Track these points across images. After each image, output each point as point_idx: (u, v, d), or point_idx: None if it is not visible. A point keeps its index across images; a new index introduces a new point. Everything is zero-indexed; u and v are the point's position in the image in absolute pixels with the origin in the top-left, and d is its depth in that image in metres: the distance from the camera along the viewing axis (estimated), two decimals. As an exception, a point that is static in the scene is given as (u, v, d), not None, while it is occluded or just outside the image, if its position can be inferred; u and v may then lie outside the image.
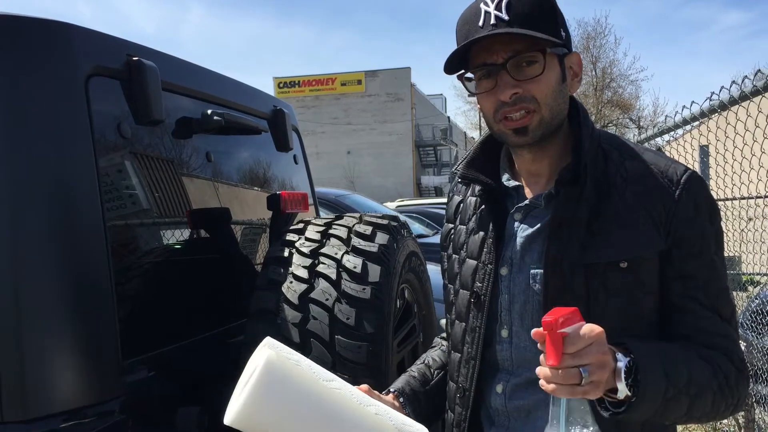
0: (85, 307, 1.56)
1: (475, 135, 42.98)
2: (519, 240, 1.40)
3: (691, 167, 1.35)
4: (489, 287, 1.42)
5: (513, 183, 1.45)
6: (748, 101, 3.26)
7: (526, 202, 1.41)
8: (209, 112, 2.10)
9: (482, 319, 1.42)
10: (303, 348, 1.83)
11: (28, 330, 1.48)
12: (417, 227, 9.97)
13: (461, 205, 1.58)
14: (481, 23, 1.29)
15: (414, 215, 11.37)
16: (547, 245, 1.33)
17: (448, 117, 49.78)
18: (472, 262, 1.47)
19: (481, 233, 1.47)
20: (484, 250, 1.45)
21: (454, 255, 1.55)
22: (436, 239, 8.15)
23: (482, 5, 1.30)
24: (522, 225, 1.41)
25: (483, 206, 1.48)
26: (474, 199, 1.53)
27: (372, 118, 40.55)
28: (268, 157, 2.67)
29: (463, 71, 1.38)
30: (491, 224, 1.45)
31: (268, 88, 41.81)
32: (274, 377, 1.11)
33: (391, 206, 13.77)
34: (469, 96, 1.45)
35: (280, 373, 1.12)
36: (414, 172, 41.35)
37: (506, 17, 1.27)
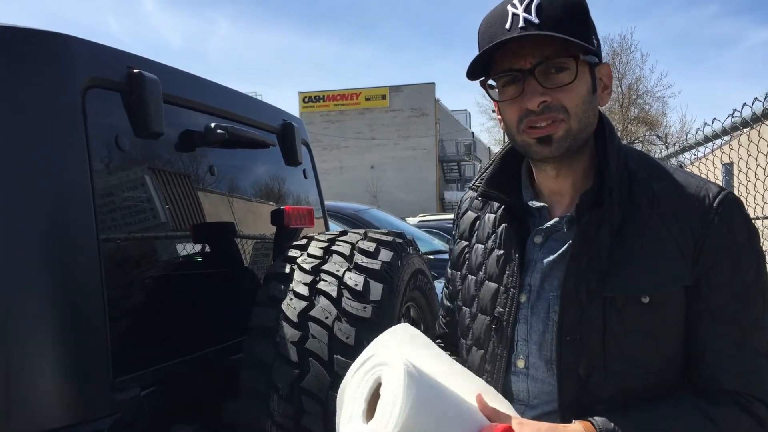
0: (75, 322, 1.53)
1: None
2: (539, 265, 1.33)
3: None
4: (512, 313, 1.33)
5: (536, 204, 1.37)
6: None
7: (547, 225, 1.33)
8: (213, 125, 2.07)
9: (504, 347, 1.34)
10: (301, 367, 1.79)
11: (14, 344, 1.45)
12: (437, 243, 9.88)
13: (477, 222, 1.50)
14: (508, 26, 1.20)
15: (435, 231, 11.31)
16: (565, 273, 1.25)
17: (473, 132, 49.70)
18: (492, 285, 1.39)
19: (502, 254, 1.38)
20: (506, 273, 1.36)
21: (470, 276, 1.47)
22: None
23: (509, 7, 1.21)
24: (543, 249, 1.33)
25: (503, 225, 1.40)
26: (492, 216, 1.45)
27: (396, 133, 40.61)
28: (276, 171, 2.64)
29: (484, 78, 1.29)
30: (513, 246, 1.36)
31: (293, 102, 42.15)
32: (421, 385, 1.05)
33: (413, 221, 13.72)
34: (493, 106, 1.35)
35: (421, 380, 1.06)
36: (437, 187, 41.29)
37: (536, 20, 1.18)
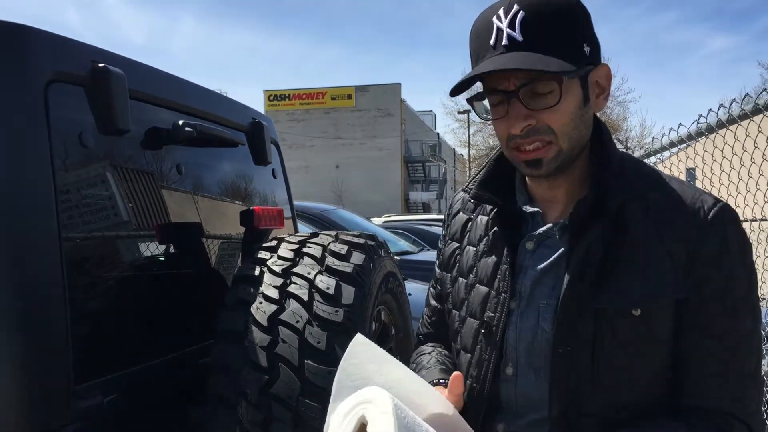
0: (34, 325, 1.46)
1: (464, 152, 43.06)
2: (530, 272, 1.29)
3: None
4: (502, 318, 1.30)
5: (530, 209, 1.33)
6: (736, 125, 3.20)
7: (539, 231, 1.30)
8: (180, 122, 2.01)
9: (491, 352, 1.30)
10: (270, 372, 1.74)
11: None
12: (403, 244, 9.87)
13: (469, 224, 1.46)
14: (492, 42, 1.15)
15: (401, 231, 11.29)
16: (566, 285, 1.21)
17: (438, 134, 49.84)
18: (483, 289, 1.36)
19: (494, 258, 1.35)
20: (498, 277, 1.33)
21: (460, 278, 1.43)
22: (422, 256, 8.06)
23: (495, 19, 1.15)
24: (534, 255, 1.30)
25: (496, 229, 1.37)
26: (485, 219, 1.41)
27: (361, 133, 40.54)
28: (244, 170, 2.58)
29: (472, 95, 1.26)
30: (505, 250, 1.33)
31: (259, 101, 41.76)
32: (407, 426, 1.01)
33: (377, 222, 13.68)
34: (482, 120, 1.32)
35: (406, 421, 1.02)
36: (402, 187, 41.33)
37: (520, 38, 1.12)
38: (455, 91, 1.21)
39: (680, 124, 3.84)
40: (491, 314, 1.32)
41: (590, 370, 1.18)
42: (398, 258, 6.35)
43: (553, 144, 1.19)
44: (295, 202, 7.07)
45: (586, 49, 1.18)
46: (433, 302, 1.57)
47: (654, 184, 1.24)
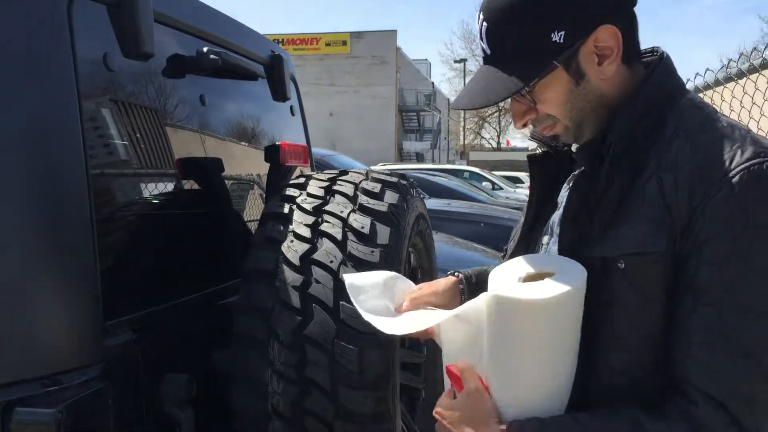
0: (62, 261, 1.37)
1: (459, 102, 42.56)
2: (559, 210, 1.28)
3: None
4: (512, 247, 1.35)
5: (578, 149, 1.30)
6: (734, 83, 3.10)
7: (575, 173, 1.28)
8: (205, 50, 1.89)
9: None
10: (304, 314, 1.67)
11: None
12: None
13: None
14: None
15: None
16: (559, 232, 1.22)
17: (432, 83, 49.32)
18: (526, 228, 1.38)
19: (535, 198, 1.37)
20: (533, 215, 1.35)
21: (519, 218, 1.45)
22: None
23: (477, 23, 1.17)
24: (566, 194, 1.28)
25: (540, 166, 1.36)
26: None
27: (356, 81, 40.03)
28: (264, 106, 2.47)
29: None
30: (544, 187, 1.34)
31: (251, 45, 40.92)
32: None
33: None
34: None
35: None
36: (396, 137, 41.05)
37: (488, 50, 1.15)
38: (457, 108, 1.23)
39: (687, 80, 3.75)
40: (510, 243, 1.37)
41: (591, 324, 1.12)
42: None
43: (558, 123, 1.19)
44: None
45: (558, 35, 1.09)
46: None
47: (687, 132, 1.10)
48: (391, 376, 1.70)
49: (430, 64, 54.23)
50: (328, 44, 40.60)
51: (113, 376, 1.44)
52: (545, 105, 1.16)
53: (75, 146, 1.41)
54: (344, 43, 40.42)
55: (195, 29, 1.94)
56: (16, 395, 1.27)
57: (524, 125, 1.21)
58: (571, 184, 1.26)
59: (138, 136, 1.66)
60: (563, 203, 1.26)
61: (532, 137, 1.36)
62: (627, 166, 1.11)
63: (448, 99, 52.50)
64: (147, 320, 1.58)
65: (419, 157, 41.89)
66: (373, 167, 15.78)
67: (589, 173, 1.17)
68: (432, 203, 8.36)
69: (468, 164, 29.72)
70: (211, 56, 1.89)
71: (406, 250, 1.92)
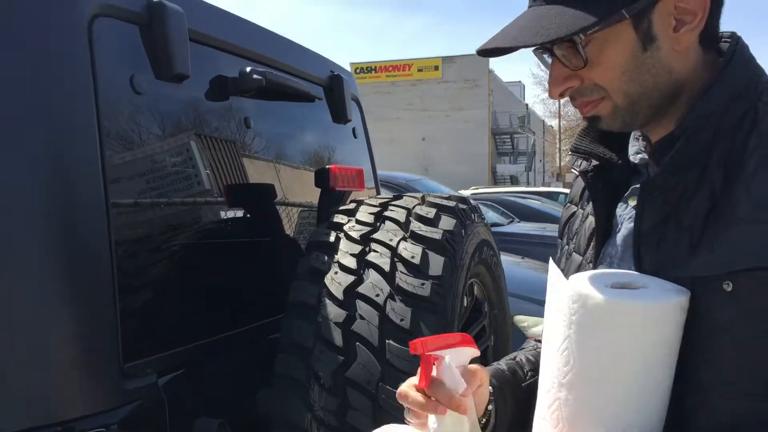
0: (79, 298, 1.27)
1: (554, 123, 41.83)
2: (622, 232, 1.03)
3: None
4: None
5: (640, 157, 1.05)
6: None
7: (636, 185, 1.01)
8: (248, 70, 1.79)
9: None
10: (346, 354, 1.51)
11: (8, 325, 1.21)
12: (492, 215, 9.54)
13: None
14: None
15: (489, 203, 10.92)
16: (636, 250, 0.97)
17: (526, 104, 48.56)
18: (577, 258, 1.11)
19: (591, 220, 1.10)
20: (592, 243, 1.08)
21: (566, 246, 1.19)
22: (513, 228, 7.73)
23: None
24: (630, 214, 1.03)
25: (594, 186, 1.09)
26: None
27: (448, 105, 39.90)
28: (321, 128, 2.35)
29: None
30: (599, 208, 1.07)
31: (345, 74, 41.72)
32: None
33: (465, 194, 13.33)
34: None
35: None
36: (490, 160, 40.56)
37: None
38: (483, 53, 0.98)
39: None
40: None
41: (687, 364, 0.89)
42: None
43: (606, 99, 0.95)
44: (380, 172, 6.87)
45: None
46: None
47: None
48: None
49: (524, 86, 53.45)
50: (420, 69, 40.77)
51: (133, 422, 1.32)
52: (598, 70, 0.93)
53: (94, 177, 1.32)
54: (436, 68, 40.47)
55: (239, 49, 1.84)
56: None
57: (562, 95, 0.96)
58: (636, 199, 1.01)
59: (166, 161, 1.56)
60: (624, 224, 1.03)
61: (575, 150, 1.11)
62: (717, 162, 0.89)
63: (543, 120, 51.55)
64: (174, 361, 1.46)
65: (513, 180, 41.20)
66: (463, 191, 15.58)
67: (666, 178, 0.94)
68: (524, 227, 8.08)
69: (564, 186, 28.95)
70: (254, 76, 1.78)
71: (464, 282, 1.73)
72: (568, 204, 1.23)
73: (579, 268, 1.09)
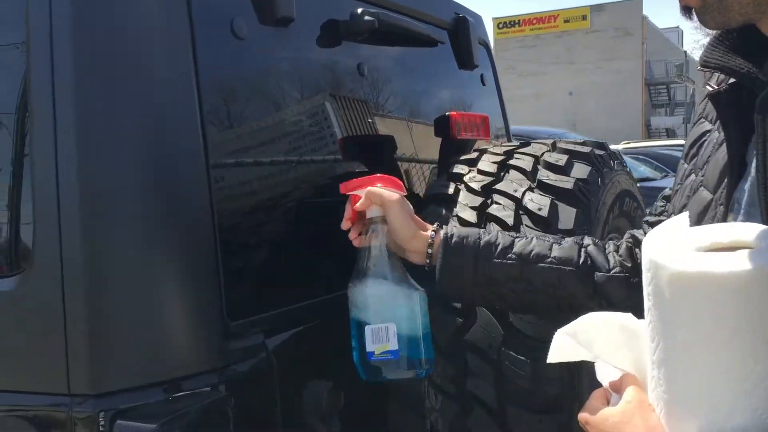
0: (180, 253, 1.22)
1: (716, 70, 38.72)
2: (751, 172, 0.84)
3: None
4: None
5: None
6: None
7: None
8: (359, 11, 1.66)
9: None
10: (465, 316, 1.38)
11: (104, 279, 1.18)
12: (643, 169, 8.96)
13: None
14: None
15: (641, 157, 10.28)
16: (764, 195, 0.80)
17: (685, 51, 45.25)
18: (705, 195, 0.93)
19: (724, 153, 0.90)
20: (724, 181, 0.89)
21: (691, 174, 1.00)
22: (666, 183, 7.20)
23: None
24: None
25: (726, 110, 0.90)
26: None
27: (597, 57, 37.96)
28: (445, 74, 2.20)
29: None
30: (734, 144, 0.88)
31: (488, 29, 40.85)
32: None
33: (616, 149, 12.65)
34: None
35: None
36: (643, 112, 38.32)
37: None
38: None
39: None
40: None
41: None
42: (638, 186, 5.65)
43: None
44: (521, 127, 6.59)
45: None
46: (659, 203, 1.15)
47: None
48: (577, 396, 1.35)
49: (682, 32, 49.79)
50: (566, 21, 39.04)
51: (238, 384, 1.26)
52: None
53: (193, 135, 1.25)
54: (584, 17, 38.56)
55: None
56: (117, 406, 1.14)
57: None
58: (756, 122, 0.81)
59: (269, 111, 1.48)
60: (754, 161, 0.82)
61: (704, 65, 0.91)
62: None
63: (704, 68, 47.84)
64: (280, 321, 1.39)
65: (670, 133, 38.66)
66: (613, 146, 14.89)
67: None
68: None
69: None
70: (366, 18, 1.65)
71: (602, 236, 1.53)
72: (701, 120, 1.01)
73: (707, 210, 0.89)
